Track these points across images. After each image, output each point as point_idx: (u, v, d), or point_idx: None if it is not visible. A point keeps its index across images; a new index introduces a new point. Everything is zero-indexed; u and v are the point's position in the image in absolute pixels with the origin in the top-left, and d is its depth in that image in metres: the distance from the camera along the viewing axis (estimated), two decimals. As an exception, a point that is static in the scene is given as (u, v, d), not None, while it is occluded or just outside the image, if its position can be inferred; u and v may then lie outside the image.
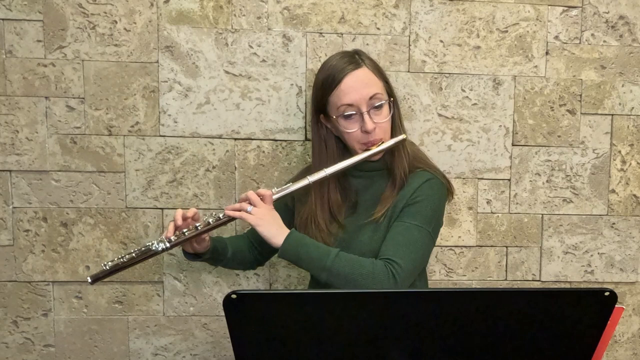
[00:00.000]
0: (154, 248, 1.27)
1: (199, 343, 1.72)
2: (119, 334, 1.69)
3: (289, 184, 1.32)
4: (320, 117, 1.38)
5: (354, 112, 1.30)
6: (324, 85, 1.33)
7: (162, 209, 1.66)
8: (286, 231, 1.26)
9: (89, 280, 1.28)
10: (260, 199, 1.28)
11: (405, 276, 1.22)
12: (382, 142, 1.32)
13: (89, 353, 1.69)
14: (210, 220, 1.29)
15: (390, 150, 1.35)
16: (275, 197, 1.30)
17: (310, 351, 0.90)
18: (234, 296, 0.84)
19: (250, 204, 1.27)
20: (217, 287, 1.71)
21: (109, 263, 1.29)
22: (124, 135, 1.63)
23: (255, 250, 1.52)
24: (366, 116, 1.29)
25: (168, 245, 1.27)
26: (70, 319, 1.67)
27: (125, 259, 1.28)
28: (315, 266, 1.24)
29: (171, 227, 1.29)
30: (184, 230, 1.28)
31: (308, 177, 1.31)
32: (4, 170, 1.61)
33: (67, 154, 1.62)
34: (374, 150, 1.31)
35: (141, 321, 1.70)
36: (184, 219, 1.30)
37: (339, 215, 1.37)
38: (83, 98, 1.61)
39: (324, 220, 1.36)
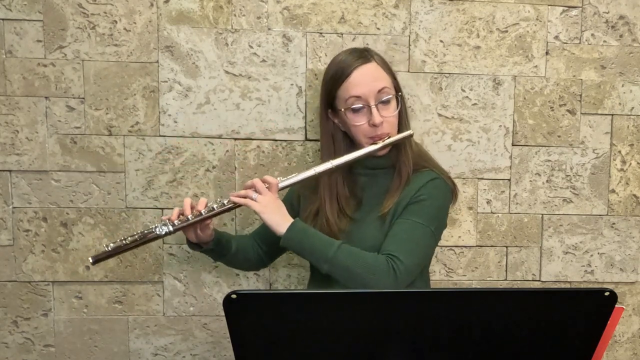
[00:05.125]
0: (157, 231, 1.28)
1: (199, 343, 1.72)
2: (119, 334, 1.69)
3: (294, 174, 1.33)
4: (328, 113, 1.38)
5: (362, 105, 1.31)
6: (333, 78, 1.34)
7: (162, 209, 1.66)
8: (290, 220, 1.26)
9: (91, 261, 1.28)
10: (267, 187, 1.28)
11: (405, 272, 1.22)
12: (389, 137, 1.33)
13: (89, 353, 1.69)
14: (215, 205, 1.29)
15: (396, 147, 1.36)
16: (281, 185, 1.31)
17: (310, 351, 0.90)
18: (234, 296, 0.84)
19: (256, 191, 1.27)
20: (217, 287, 1.70)
21: (111, 244, 1.29)
22: (124, 135, 1.63)
23: (260, 250, 1.52)
24: (374, 109, 1.30)
25: (171, 229, 1.28)
26: (70, 319, 1.67)
27: (127, 241, 1.28)
28: (317, 257, 1.25)
29: (176, 211, 1.30)
30: (188, 215, 1.29)
31: (314, 167, 1.32)
32: (4, 170, 1.61)
33: (67, 154, 1.62)
34: (381, 144, 1.32)
35: (141, 321, 1.70)
36: (192, 208, 1.30)
37: (347, 209, 1.38)
38: (83, 98, 1.61)
39: (333, 214, 1.36)
